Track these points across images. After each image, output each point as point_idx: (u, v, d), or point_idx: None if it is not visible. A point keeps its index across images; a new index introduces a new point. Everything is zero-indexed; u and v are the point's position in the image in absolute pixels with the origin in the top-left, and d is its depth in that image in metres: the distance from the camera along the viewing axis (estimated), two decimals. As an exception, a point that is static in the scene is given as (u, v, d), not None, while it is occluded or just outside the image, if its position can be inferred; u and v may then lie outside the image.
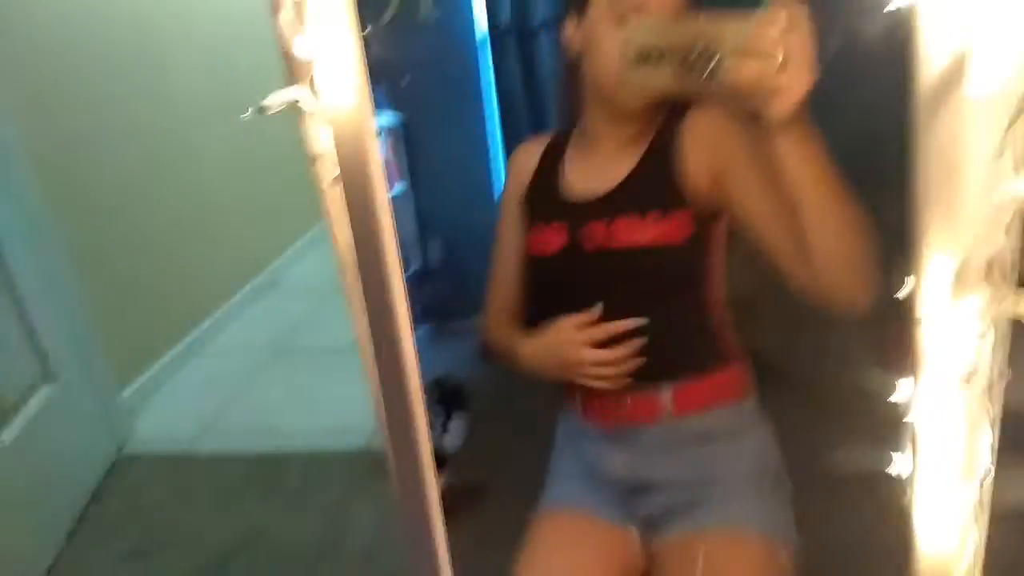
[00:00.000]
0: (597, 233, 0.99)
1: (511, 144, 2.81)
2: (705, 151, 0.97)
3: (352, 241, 0.58)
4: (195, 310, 2.87)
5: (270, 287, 3.37)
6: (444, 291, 3.45)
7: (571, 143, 1.10)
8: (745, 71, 0.66)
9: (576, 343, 1.00)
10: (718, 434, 1.03)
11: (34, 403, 1.81)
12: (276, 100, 0.53)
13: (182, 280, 2.77)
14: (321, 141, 0.57)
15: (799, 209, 0.79)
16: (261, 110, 0.54)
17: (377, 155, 0.53)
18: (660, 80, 0.71)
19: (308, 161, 0.59)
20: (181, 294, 2.77)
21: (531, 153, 1.14)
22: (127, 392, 2.38)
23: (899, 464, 0.52)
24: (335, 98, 0.51)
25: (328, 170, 0.56)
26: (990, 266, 0.45)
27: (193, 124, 2.93)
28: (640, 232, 0.96)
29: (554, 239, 1.03)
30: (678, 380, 1.01)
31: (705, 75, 0.68)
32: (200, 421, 2.34)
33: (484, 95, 3.20)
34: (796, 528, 1.01)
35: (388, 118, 3.15)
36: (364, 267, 0.57)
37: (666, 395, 1.01)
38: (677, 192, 0.97)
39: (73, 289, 2.08)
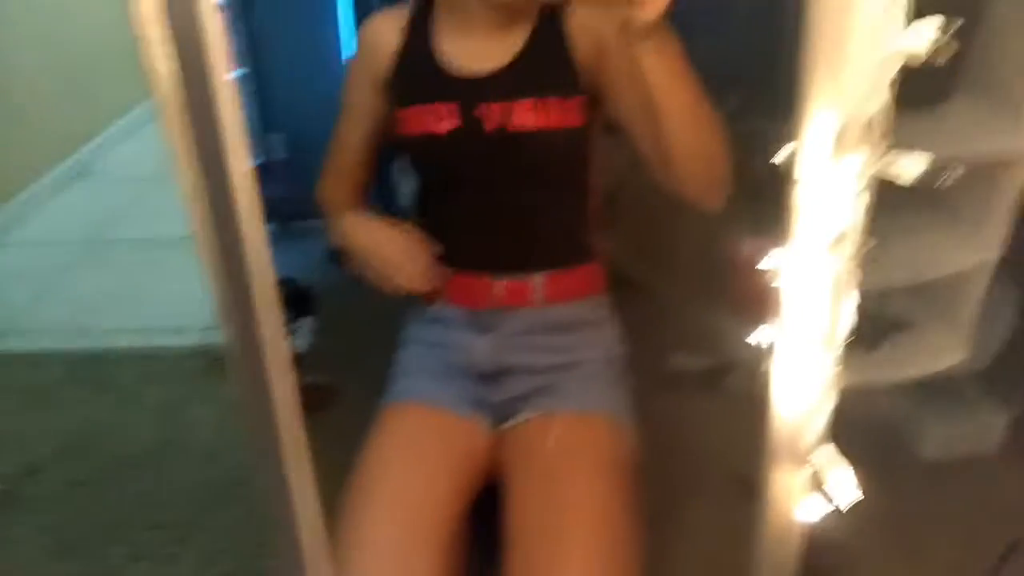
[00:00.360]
0: (494, 113, 0.96)
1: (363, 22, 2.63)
2: (588, 35, 0.96)
3: (176, 68, 0.48)
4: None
5: (83, 173, 3.03)
6: (288, 189, 3.25)
7: (438, 17, 1.02)
8: None
9: (395, 262, 1.01)
10: (578, 323, 1.06)
11: None
12: None
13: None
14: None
15: (656, 111, 0.83)
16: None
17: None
18: None
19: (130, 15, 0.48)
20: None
21: (389, 27, 1.05)
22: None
23: (762, 333, 0.53)
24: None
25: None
26: (870, 125, 0.45)
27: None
28: (542, 115, 0.95)
29: (443, 119, 0.98)
30: (549, 270, 1.03)
31: None
32: (5, 318, 2.09)
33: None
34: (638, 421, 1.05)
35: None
36: (201, 140, 0.48)
37: (538, 282, 1.03)
38: (571, 75, 0.97)
39: None
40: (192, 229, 0.53)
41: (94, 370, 1.83)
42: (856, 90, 0.44)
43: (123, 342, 1.95)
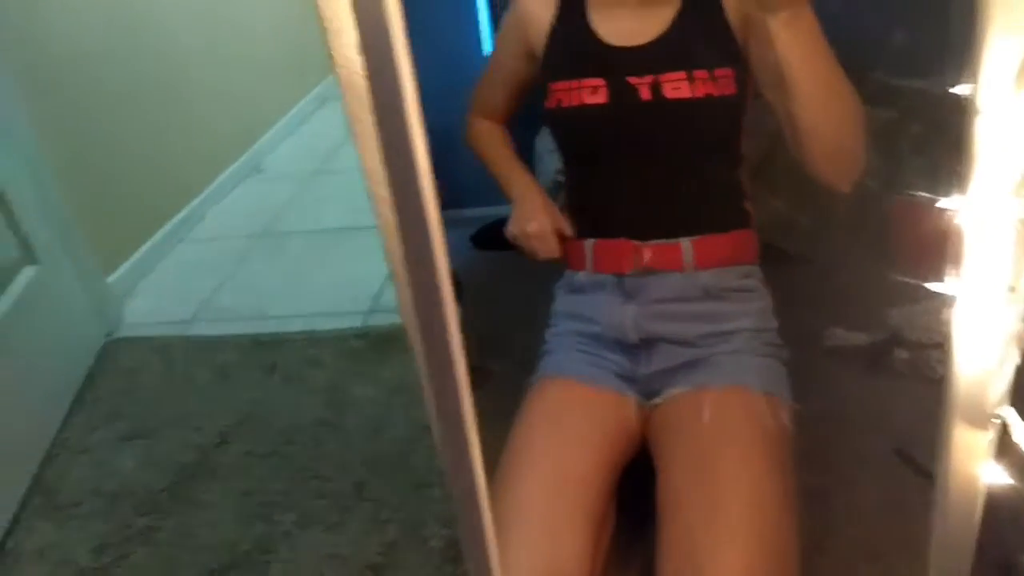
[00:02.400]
0: (647, 85, 0.97)
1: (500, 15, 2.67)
2: (738, 6, 0.96)
3: (359, 58, 0.51)
4: (177, 195, 2.79)
5: (252, 171, 3.29)
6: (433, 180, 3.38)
7: None
8: None
9: (535, 224, 1.08)
10: (729, 291, 1.03)
11: (17, 284, 1.77)
12: None
13: (162, 165, 2.69)
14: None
15: (788, 87, 0.82)
16: None
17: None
18: None
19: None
20: (162, 180, 2.69)
21: None
22: (113, 278, 2.34)
23: (945, 286, 0.50)
24: None
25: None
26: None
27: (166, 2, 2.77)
28: (696, 86, 0.95)
29: (597, 91, 0.99)
30: (698, 235, 1.02)
31: None
32: (190, 305, 2.31)
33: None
34: (793, 395, 1.02)
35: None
36: (378, 93, 0.51)
37: (686, 246, 1.02)
38: (725, 44, 0.96)
39: (49, 175, 2.01)
40: (377, 216, 0.57)
41: (266, 352, 1.99)
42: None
43: (291, 326, 2.10)
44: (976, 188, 0.45)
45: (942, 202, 0.47)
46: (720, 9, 0.96)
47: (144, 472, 1.63)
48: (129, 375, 1.98)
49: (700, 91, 0.94)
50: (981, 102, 0.44)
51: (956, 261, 0.48)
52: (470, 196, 3.43)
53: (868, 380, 1.54)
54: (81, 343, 2.04)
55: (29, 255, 1.84)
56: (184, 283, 2.46)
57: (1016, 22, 0.41)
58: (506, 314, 1.52)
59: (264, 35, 3.45)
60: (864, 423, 1.40)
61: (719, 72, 0.95)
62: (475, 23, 2.55)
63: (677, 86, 0.95)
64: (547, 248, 1.09)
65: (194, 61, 2.94)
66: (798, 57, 0.80)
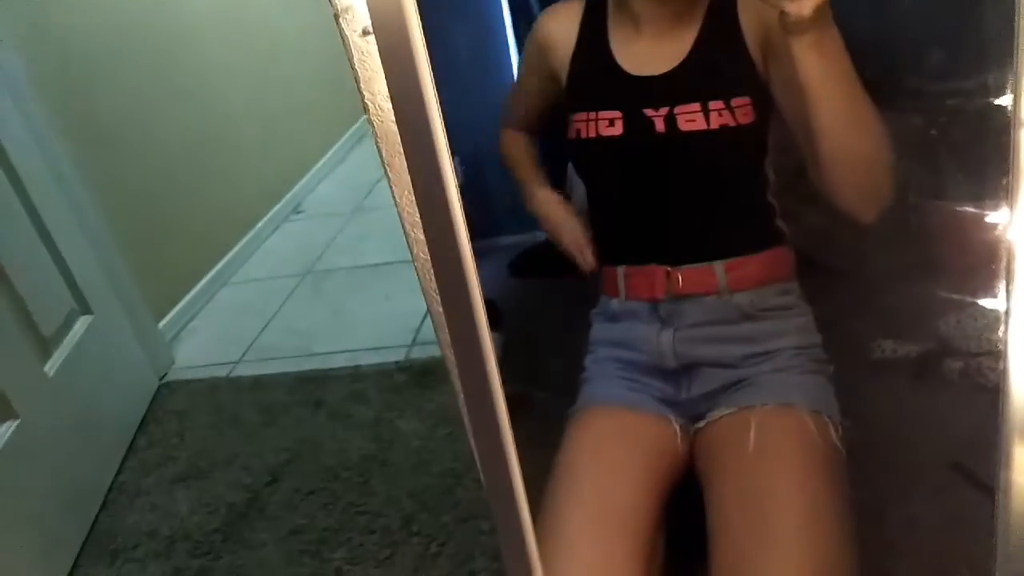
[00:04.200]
0: (664, 116, 0.96)
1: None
2: (758, 25, 0.94)
3: (390, 106, 0.53)
4: (223, 239, 2.87)
5: (293, 212, 3.36)
6: (467, 210, 3.41)
7: (611, 16, 1.03)
8: None
9: (567, 236, 1.11)
10: (767, 311, 1.01)
11: (73, 335, 1.83)
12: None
13: (207, 212, 2.76)
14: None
15: (810, 112, 0.79)
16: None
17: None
18: None
19: (335, 15, 0.54)
20: (207, 226, 2.77)
21: (565, 24, 1.07)
22: (163, 323, 2.40)
23: (994, 302, 0.49)
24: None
25: (357, 19, 0.52)
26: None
27: (208, 50, 2.86)
28: (712, 117, 0.94)
29: (615, 122, 0.99)
30: (730, 257, 1.00)
31: None
32: (237, 347, 2.36)
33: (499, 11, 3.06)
34: (841, 410, 0.99)
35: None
36: (408, 137, 0.53)
37: (719, 269, 1.00)
38: (743, 71, 0.94)
39: (100, 224, 2.09)
40: (413, 255, 0.58)
41: (311, 389, 2.01)
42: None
43: (334, 362, 2.13)
44: (1021, 202, 0.44)
45: (988, 216, 0.47)
46: (739, 34, 0.94)
47: (197, 514, 1.66)
48: (180, 418, 2.02)
49: (715, 123, 0.93)
50: (1022, 114, 0.43)
51: (1007, 276, 0.46)
52: (506, 224, 3.46)
53: (919, 392, 1.50)
54: (135, 389, 2.10)
55: (83, 305, 1.90)
56: (231, 325, 2.51)
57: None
58: (546, 340, 1.52)
59: (304, 83, 3.54)
60: (918, 437, 1.36)
61: (736, 102, 0.93)
62: (505, 50, 2.59)
63: (692, 118, 0.94)
64: (584, 260, 1.11)
65: (238, 114, 3.03)
66: (822, 81, 0.77)
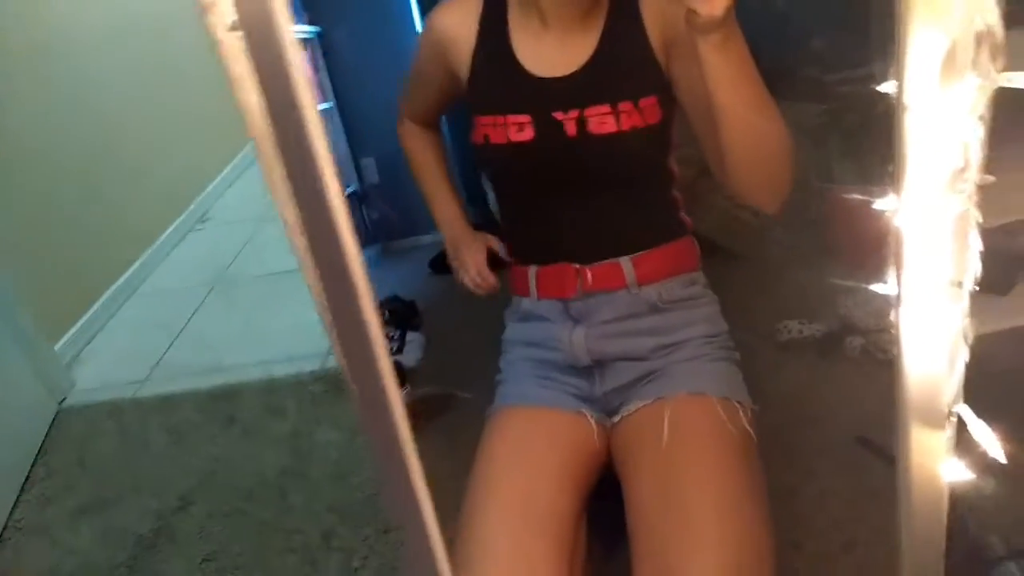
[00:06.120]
0: (572, 120, 0.95)
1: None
2: (661, 23, 0.94)
3: (263, 105, 0.50)
4: (124, 253, 2.73)
5: (199, 220, 3.22)
6: (384, 211, 3.36)
7: (512, 15, 1.01)
8: None
9: (467, 264, 1.16)
10: (675, 302, 1.03)
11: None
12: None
13: (106, 224, 2.62)
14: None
15: (715, 111, 0.80)
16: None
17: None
18: None
19: (199, 11, 0.50)
20: (107, 239, 2.63)
21: (463, 20, 1.04)
22: (60, 344, 2.26)
23: (885, 286, 0.49)
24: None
25: (223, 13, 0.48)
26: (979, 43, 0.41)
27: (94, 57, 2.70)
28: (621, 119, 0.94)
29: (524, 127, 0.98)
30: (637, 252, 1.01)
31: None
32: (143, 364, 2.24)
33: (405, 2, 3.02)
34: (752, 393, 1.01)
35: (304, 32, 2.97)
36: (283, 138, 0.49)
37: (627, 265, 1.01)
38: (648, 70, 0.94)
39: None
40: (297, 259, 0.54)
41: (223, 405, 1.93)
42: (961, 3, 0.40)
43: (247, 375, 2.04)
44: (909, 186, 0.44)
45: (877, 201, 0.47)
46: (643, 34, 0.94)
47: (102, 547, 1.56)
48: (82, 444, 1.90)
49: (625, 124, 0.93)
50: (907, 99, 0.43)
51: (897, 260, 0.47)
52: (425, 223, 3.43)
53: (825, 370, 1.55)
54: (30, 416, 1.96)
55: (-36, 331, 1.77)
56: (136, 342, 2.39)
57: (935, 16, 0.41)
58: (469, 339, 1.50)
59: (199, 86, 3.40)
60: (825, 414, 1.40)
61: (644, 102, 0.94)
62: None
63: (602, 120, 0.94)
64: (487, 287, 1.15)
65: (129, 117, 2.88)
66: (727, 80, 0.77)
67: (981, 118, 0.43)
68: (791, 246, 1.58)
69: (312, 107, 0.46)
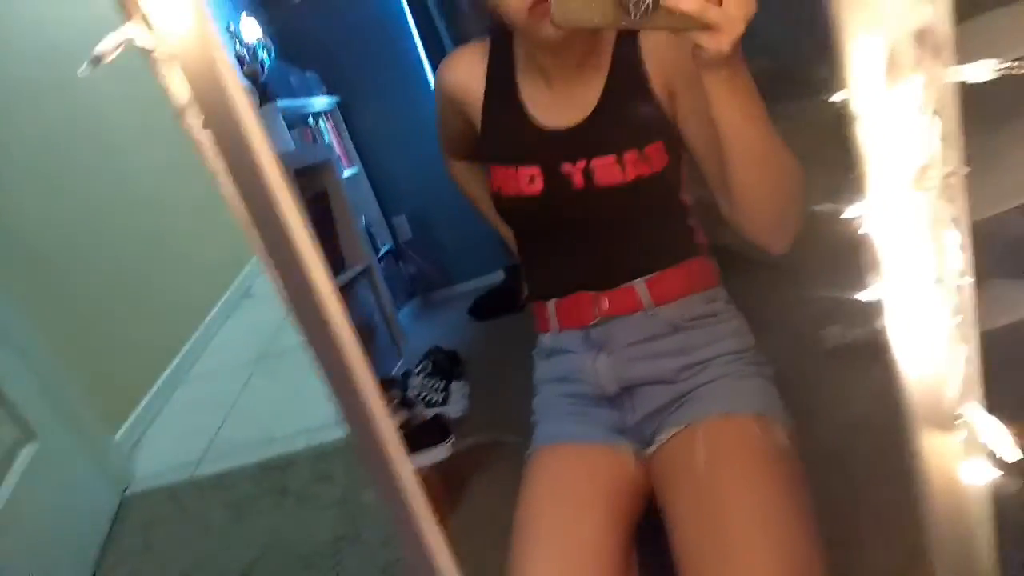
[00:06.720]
0: (575, 176, 0.97)
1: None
2: (663, 66, 0.95)
3: (239, 195, 0.52)
4: (172, 338, 2.81)
5: (242, 297, 3.31)
6: (421, 265, 3.42)
7: (519, 66, 1.04)
8: (683, 4, 0.64)
9: None
10: (695, 320, 1.02)
11: (18, 465, 1.76)
12: (109, 45, 0.48)
13: (153, 311, 2.71)
14: (181, 84, 0.51)
15: (722, 149, 0.79)
16: (95, 61, 0.48)
17: (236, 82, 0.47)
18: (591, 16, 0.65)
19: (176, 117, 0.53)
20: (154, 326, 2.71)
21: (472, 71, 1.07)
22: (120, 434, 2.32)
23: (869, 292, 0.48)
24: (172, 26, 0.45)
25: (197, 116, 0.51)
26: (921, 38, 0.41)
27: (130, 152, 2.83)
28: (627, 169, 0.94)
29: (533, 180, 1.00)
30: (651, 274, 1.01)
31: (639, 13, 0.64)
32: (198, 445, 2.29)
33: (417, 59, 3.11)
34: (788, 410, 0.99)
35: (324, 102, 3.07)
36: (261, 222, 0.52)
37: (641, 287, 1.01)
38: (652, 116, 0.95)
39: (37, 345, 2.01)
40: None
41: (276, 476, 1.96)
42: (893, 5, 0.40)
43: (297, 445, 2.07)
44: (874, 191, 0.44)
45: (847, 212, 0.46)
46: (646, 81, 0.95)
47: (172, 628, 1.59)
48: (146, 529, 1.95)
49: (631, 174, 0.94)
50: (857, 107, 0.43)
51: (876, 268, 0.46)
52: (460, 272, 3.47)
53: (874, 375, 1.50)
54: (95, 508, 2.02)
55: (28, 434, 1.83)
56: (190, 423, 2.44)
57: (870, 20, 0.41)
58: (514, 382, 1.50)
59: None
60: (873, 421, 1.35)
61: (649, 148, 0.95)
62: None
63: (608, 171, 0.95)
64: None
65: (170, 210, 2.99)
66: (736, 117, 0.76)
67: (937, 113, 0.43)
68: (813, 248, 1.55)
69: (283, 190, 0.48)
